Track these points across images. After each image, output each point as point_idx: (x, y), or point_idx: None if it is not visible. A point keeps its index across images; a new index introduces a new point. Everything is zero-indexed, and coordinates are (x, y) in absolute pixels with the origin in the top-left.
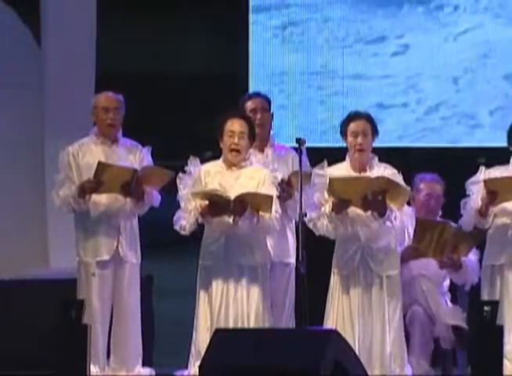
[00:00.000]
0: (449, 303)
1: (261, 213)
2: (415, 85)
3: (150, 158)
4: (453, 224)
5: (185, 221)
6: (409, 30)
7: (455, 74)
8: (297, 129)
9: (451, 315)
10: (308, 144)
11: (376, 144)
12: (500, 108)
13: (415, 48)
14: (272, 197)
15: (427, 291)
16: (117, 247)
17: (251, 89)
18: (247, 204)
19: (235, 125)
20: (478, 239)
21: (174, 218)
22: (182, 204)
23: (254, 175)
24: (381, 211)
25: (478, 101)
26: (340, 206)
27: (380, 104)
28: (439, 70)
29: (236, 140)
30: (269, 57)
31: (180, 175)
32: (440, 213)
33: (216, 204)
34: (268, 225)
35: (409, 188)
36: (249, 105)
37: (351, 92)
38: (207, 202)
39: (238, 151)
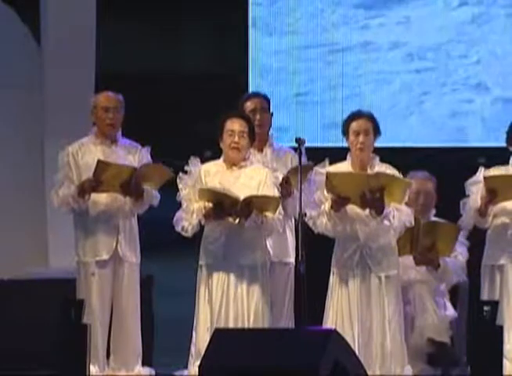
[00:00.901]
0: (448, 304)
1: (265, 213)
2: (419, 54)
3: (150, 158)
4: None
5: (186, 222)
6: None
7: (458, 44)
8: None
9: (434, 329)
10: (309, 143)
11: (377, 144)
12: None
13: (416, 19)
14: (278, 199)
15: (418, 300)
16: (117, 246)
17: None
18: (253, 206)
19: (235, 125)
20: (454, 233)
21: (175, 219)
22: (184, 205)
23: (254, 175)
24: (379, 209)
25: (485, 70)
26: (339, 203)
27: (390, 72)
28: (442, 40)
29: (236, 139)
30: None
31: (180, 175)
32: (434, 211)
33: (221, 206)
34: (271, 225)
35: (408, 180)
36: (248, 105)
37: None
38: (211, 204)
39: (238, 149)
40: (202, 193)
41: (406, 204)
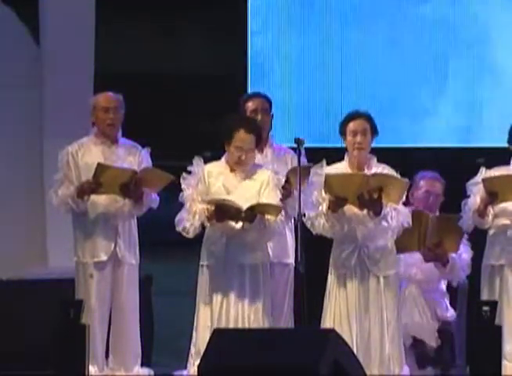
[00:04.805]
0: (448, 304)
1: (266, 216)
2: None
3: (150, 159)
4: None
5: (188, 223)
6: None
7: None
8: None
9: (419, 329)
10: (309, 144)
11: (377, 144)
12: None
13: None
14: (280, 208)
15: (410, 299)
16: (115, 248)
17: (250, 79)
18: (257, 212)
19: (244, 141)
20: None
21: (177, 218)
22: (187, 205)
23: (256, 177)
24: (377, 209)
25: None
26: (337, 204)
27: None
28: None
29: (243, 157)
30: (269, 47)
31: (184, 175)
32: (437, 212)
33: (223, 210)
34: (273, 228)
35: (406, 180)
36: (249, 105)
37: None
38: (213, 207)
39: (244, 164)
40: (206, 203)
41: (406, 204)
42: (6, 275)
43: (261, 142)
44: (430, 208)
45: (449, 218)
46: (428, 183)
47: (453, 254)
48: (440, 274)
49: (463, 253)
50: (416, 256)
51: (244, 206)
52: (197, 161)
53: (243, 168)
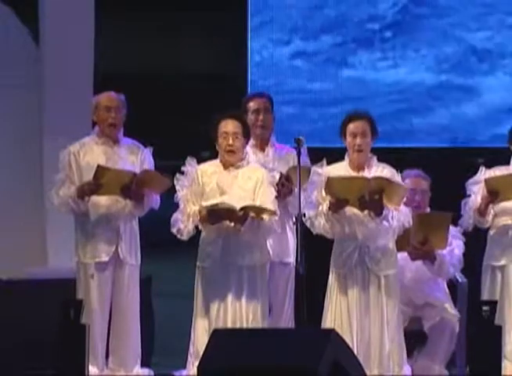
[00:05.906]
0: (452, 305)
1: (260, 216)
2: None
3: (152, 159)
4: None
5: (183, 225)
6: None
7: None
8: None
9: None
10: (309, 144)
11: (377, 144)
12: None
13: None
14: (275, 212)
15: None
16: (117, 248)
17: (250, 79)
18: (249, 212)
19: (228, 126)
20: (445, 223)
21: (172, 219)
22: (181, 206)
23: (251, 175)
24: (378, 210)
25: None
26: (338, 205)
27: None
28: None
29: (230, 141)
30: (270, 47)
31: (177, 175)
32: (428, 209)
33: (216, 214)
34: (268, 227)
35: (406, 186)
36: (251, 105)
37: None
38: (205, 211)
39: (233, 152)
40: (203, 209)
41: (405, 204)
42: (6, 275)
43: (249, 132)
44: (419, 206)
45: (431, 215)
46: (412, 181)
47: (443, 251)
48: (428, 272)
49: (455, 248)
50: (404, 256)
51: (238, 205)
52: (190, 161)
53: (234, 158)
